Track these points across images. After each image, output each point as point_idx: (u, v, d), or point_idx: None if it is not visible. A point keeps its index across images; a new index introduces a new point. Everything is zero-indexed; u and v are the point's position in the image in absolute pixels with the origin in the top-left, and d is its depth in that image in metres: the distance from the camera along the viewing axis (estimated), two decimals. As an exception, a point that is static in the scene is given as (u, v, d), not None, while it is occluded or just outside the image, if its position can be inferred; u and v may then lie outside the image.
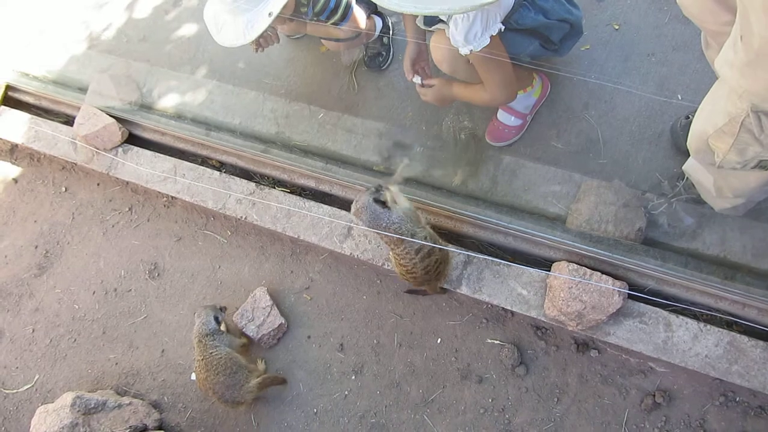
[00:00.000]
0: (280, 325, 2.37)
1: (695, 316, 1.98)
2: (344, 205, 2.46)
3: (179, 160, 2.75)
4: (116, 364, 2.56)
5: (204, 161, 2.81)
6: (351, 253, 2.34)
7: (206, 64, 3.05)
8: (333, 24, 2.40)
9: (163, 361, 2.52)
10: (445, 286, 2.18)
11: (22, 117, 3.10)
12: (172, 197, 2.76)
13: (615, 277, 1.99)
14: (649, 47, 2.42)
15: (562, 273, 1.99)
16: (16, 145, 3.17)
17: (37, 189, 3.09)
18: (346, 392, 2.28)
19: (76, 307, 2.73)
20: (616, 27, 2.48)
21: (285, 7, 2.09)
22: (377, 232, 1.97)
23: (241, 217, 2.54)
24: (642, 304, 2.00)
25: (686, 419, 1.96)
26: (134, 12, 3.37)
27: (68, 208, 2.98)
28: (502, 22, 1.86)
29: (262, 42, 2.41)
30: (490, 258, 2.16)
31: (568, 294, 1.95)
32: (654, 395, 2.00)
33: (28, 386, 2.63)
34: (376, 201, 1.96)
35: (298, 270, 2.52)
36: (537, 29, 2.02)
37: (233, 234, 2.68)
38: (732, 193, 1.81)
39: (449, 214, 2.28)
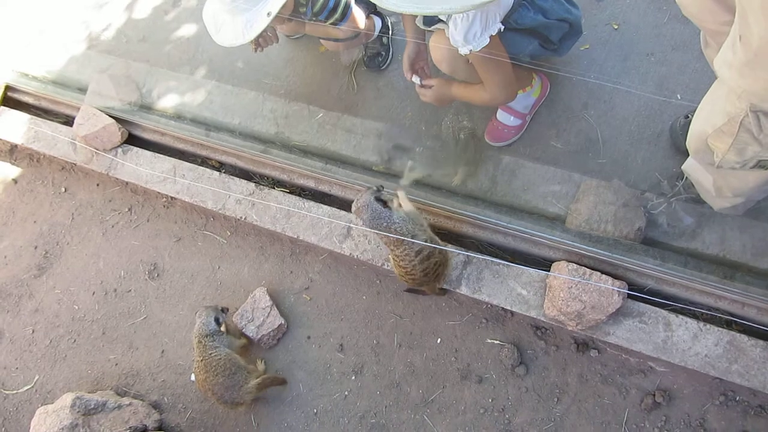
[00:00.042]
0: (279, 325, 2.37)
1: (695, 316, 1.98)
2: (344, 205, 2.46)
3: (179, 161, 2.74)
4: (116, 364, 2.56)
5: (203, 161, 2.81)
6: (350, 254, 2.34)
7: (206, 64, 3.05)
8: (332, 24, 2.40)
9: (163, 361, 2.52)
10: (445, 286, 2.18)
11: (21, 117, 3.10)
12: (172, 198, 2.76)
13: (614, 276, 1.99)
14: (649, 47, 2.42)
15: (562, 273, 1.99)
16: (16, 146, 3.17)
17: (36, 189, 3.09)
18: (346, 393, 2.28)
19: (76, 307, 2.73)
20: (616, 26, 2.48)
21: (284, 6, 2.09)
22: (377, 232, 1.97)
23: (241, 217, 2.54)
24: (641, 303, 2.00)
25: (686, 418, 1.96)
26: (134, 12, 3.37)
27: (68, 208, 2.98)
28: (502, 22, 1.86)
29: (262, 42, 2.41)
30: (490, 258, 2.16)
31: (567, 294, 1.95)
32: (654, 395, 2.00)
33: (28, 387, 2.63)
34: (378, 200, 1.96)
35: (298, 270, 2.52)
36: (536, 29, 2.01)
37: (233, 234, 2.68)
38: (731, 193, 1.81)
39: (449, 214, 2.28)
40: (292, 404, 2.30)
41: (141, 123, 2.86)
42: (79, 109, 2.86)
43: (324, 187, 2.54)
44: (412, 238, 1.93)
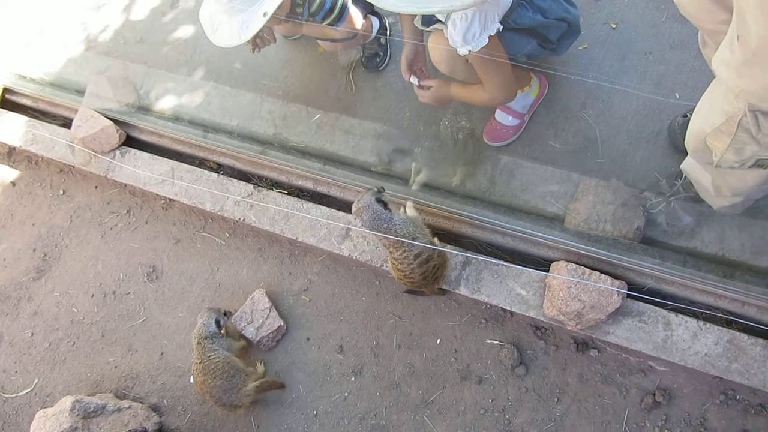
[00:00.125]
0: (279, 327, 2.36)
1: (694, 315, 1.98)
2: (342, 206, 2.46)
3: (177, 162, 2.74)
4: (115, 367, 2.56)
5: (201, 163, 2.80)
6: (349, 255, 2.34)
7: (203, 65, 3.04)
8: (329, 24, 2.40)
9: (162, 364, 2.52)
10: (444, 286, 2.18)
11: (19, 120, 3.10)
12: (170, 199, 2.75)
13: (614, 276, 1.99)
14: (647, 46, 2.42)
15: (561, 273, 1.99)
16: (14, 148, 3.17)
17: (34, 192, 3.09)
18: (346, 394, 2.28)
19: (75, 310, 2.73)
20: (614, 26, 2.48)
21: (280, 7, 2.08)
22: (377, 234, 1.96)
23: (239, 218, 2.53)
24: (641, 303, 1.99)
25: (686, 418, 1.96)
26: (131, 14, 3.36)
27: (66, 210, 2.98)
28: (501, 22, 1.86)
29: (259, 42, 2.41)
30: (489, 258, 2.16)
31: (567, 294, 1.95)
32: (654, 394, 2.00)
33: (28, 390, 2.62)
34: (378, 201, 1.95)
35: (297, 272, 2.52)
36: (535, 28, 2.01)
37: (231, 236, 2.67)
38: (730, 192, 1.81)
39: (447, 214, 2.28)
40: (291, 406, 2.30)
41: (139, 125, 2.86)
42: (77, 111, 2.86)
43: (322, 188, 2.54)
44: (412, 241, 1.93)
